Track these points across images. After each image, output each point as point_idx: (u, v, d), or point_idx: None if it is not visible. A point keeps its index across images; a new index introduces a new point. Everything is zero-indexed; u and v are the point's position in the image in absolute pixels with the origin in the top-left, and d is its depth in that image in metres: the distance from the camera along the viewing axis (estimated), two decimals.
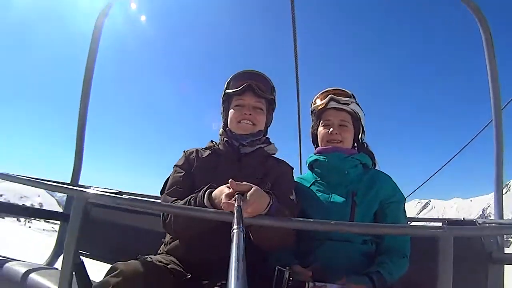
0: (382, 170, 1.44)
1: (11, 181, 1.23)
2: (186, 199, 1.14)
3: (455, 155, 3.47)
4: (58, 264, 1.86)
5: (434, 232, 0.91)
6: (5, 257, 1.49)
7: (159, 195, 1.32)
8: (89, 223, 1.09)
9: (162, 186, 1.33)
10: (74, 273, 1.04)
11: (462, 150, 3.56)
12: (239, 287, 0.38)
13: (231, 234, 0.58)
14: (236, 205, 0.82)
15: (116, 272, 0.95)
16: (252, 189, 0.95)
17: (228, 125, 1.37)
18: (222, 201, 0.96)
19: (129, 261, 1.02)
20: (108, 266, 1.83)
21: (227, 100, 1.39)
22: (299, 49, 2.37)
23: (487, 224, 1.88)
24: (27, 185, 1.20)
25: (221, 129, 1.41)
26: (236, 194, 0.93)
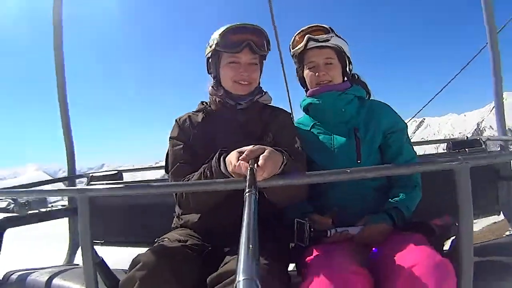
0: (378, 96, 1.40)
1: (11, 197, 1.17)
2: (199, 171, 1.07)
3: (456, 75, 3.44)
4: (77, 259, 1.84)
5: (450, 165, 0.92)
6: (26, 269, 1.46)
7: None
8: (94, 211, 1.04)
9: (165, 162, 1.27)
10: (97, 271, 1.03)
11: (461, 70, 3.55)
12: (251, 252, 0.38)
13: (243, 197, 0.57)
14: (249, 167, 0.80)
15: (140, 265, 0.93)
16: (266, 151, 0.90)
17: (222, 84, 1.27)
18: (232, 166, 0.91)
19: (149, 251, 0.98)
20: (123, 249, 1.81)
21: (216, 54, 1.25)
22: None
23: (494, 145, 1.89)
24: (28, 196, 1.14)
25: (211, 88, 1.29)
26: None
